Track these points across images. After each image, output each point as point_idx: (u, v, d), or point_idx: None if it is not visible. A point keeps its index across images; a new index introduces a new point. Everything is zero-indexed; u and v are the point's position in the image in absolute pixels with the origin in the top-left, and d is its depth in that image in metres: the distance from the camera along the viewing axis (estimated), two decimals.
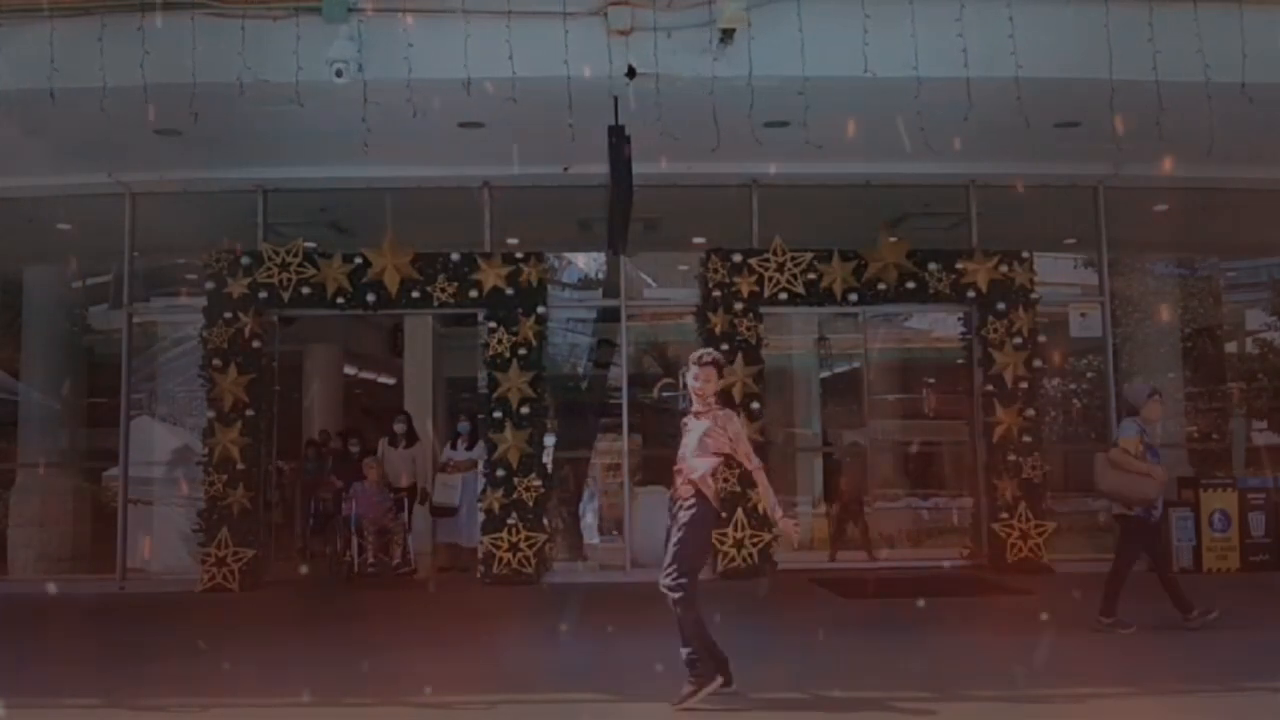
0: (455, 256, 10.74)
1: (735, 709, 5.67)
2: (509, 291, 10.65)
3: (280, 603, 10.02)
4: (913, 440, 13.66)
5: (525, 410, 10.48)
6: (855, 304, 11.05)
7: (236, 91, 8.11)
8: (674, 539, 5.86)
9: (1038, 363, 10.91)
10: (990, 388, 10.83)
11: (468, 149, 10.11)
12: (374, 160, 10.00)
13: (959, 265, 10.89)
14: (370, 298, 10.65)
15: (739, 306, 10.69)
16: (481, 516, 10.54)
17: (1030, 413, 10.76)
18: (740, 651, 6.02)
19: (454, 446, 11.64)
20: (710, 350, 6.24)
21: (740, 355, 10.57)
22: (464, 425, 11.60)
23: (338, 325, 14.00)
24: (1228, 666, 6.46)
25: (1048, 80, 8.34)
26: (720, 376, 6.09)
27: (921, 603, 8.81)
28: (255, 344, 10.57)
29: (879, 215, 11.69)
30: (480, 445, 10.98)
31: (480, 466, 10.84)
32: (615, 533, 11.64)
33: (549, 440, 11.11)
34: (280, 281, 10.59)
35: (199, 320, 10.63)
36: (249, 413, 10.43)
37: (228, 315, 10.51)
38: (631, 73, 8.26)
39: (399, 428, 11.67)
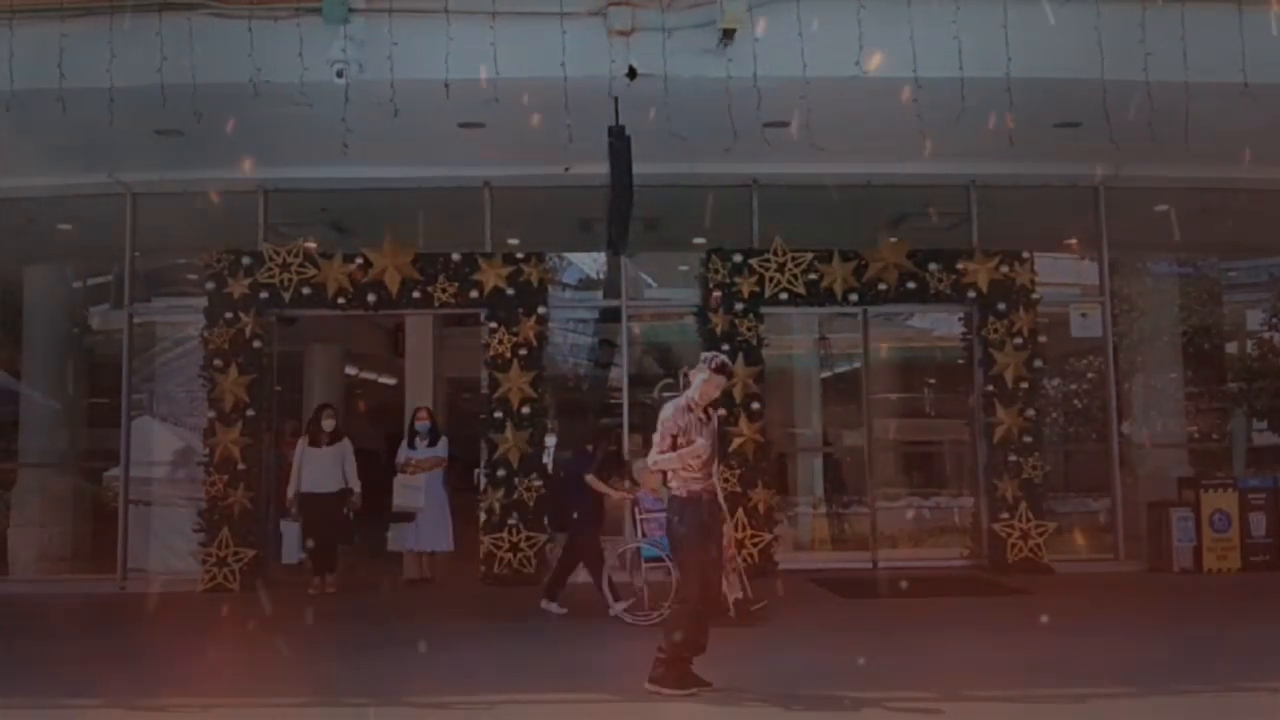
0: (455, 256, 10.74)
1: (736, 707, 5.67)
2: (509, 291, 10.65)
3: (281, 603, 9.99)
4: (913, 440, 13.66)
5: (526, 410, 10.48)
6: (856, 304, 11.05)
7: (238, 92, 8.12)
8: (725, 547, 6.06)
9: (1038, 363, 10.91)
10: (991, 388, 10.83)
11: (468, 149, 10.12)
12: (374, 160, 10.02)
13: (959, 265, 10.89)
14: (371, 298, 10.65)
15: (739, 307, 10.70)
16: (490, 517, 10.49)
17: (1030, 413, 10.76)
18: (739, 652, 6.03)
19: (412, 445, 10.69)
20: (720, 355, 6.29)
21: (741, 355, 10.58)
22: (424, 424, 10.71)
23: (339, 325, 13.98)
24: (1228, 666, 6.45)
25: (1046, 80, 8.36)
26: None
27: (920, 603, 8.83)
28: (256, 344, 10.57)
29: (879, 215, 11.70)
30: (443, 441, 10.66)
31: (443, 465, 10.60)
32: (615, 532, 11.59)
33: (549, 440, 11.08)
34: (281, 281, 10.59)
35: (199, 320, 10.64)
36: (250, 413, 10.43)
37: (228, 315, 10.52)
38: (633, 73, 8.27)
39: (328, 424, 10.35)
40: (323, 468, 10.18)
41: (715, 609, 5.97)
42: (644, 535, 8.44)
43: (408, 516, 10.48)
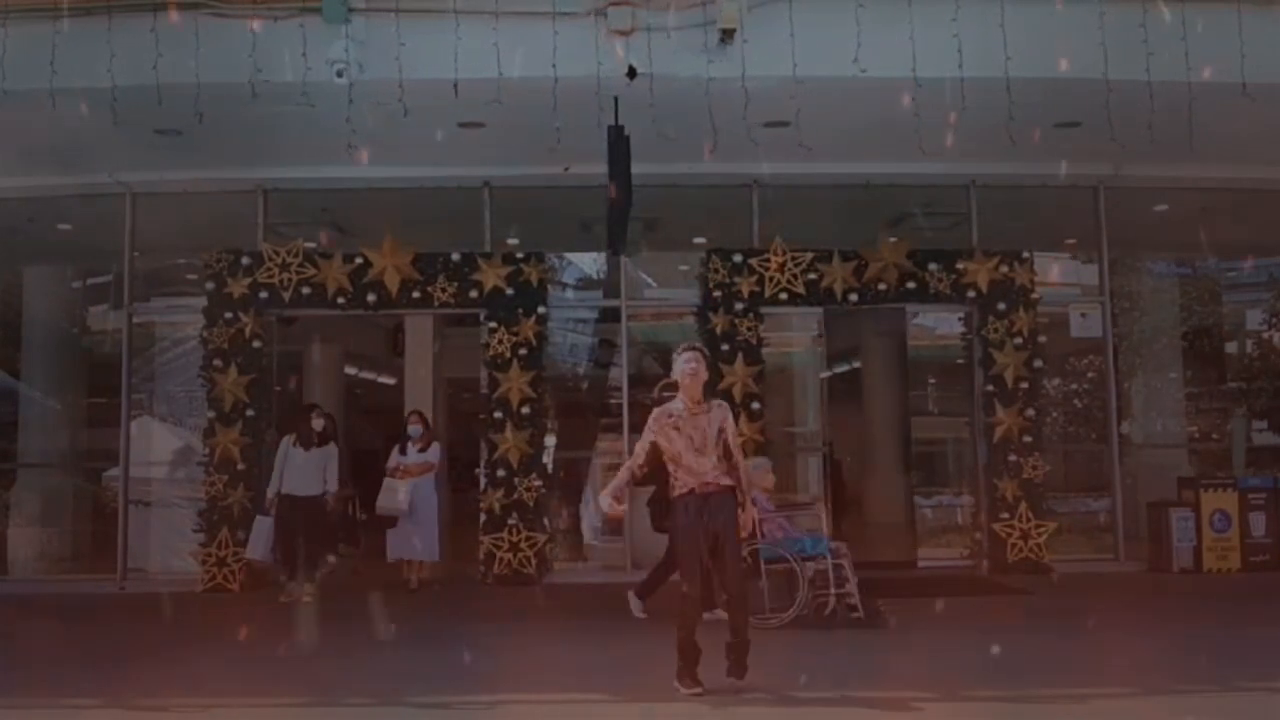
0: (455, 256, 10.74)
1: (737, 706, 5.66)
2: (509, 291, 10.65)
3: (279, 603, 9.98)
4: (913, 439, 13.66)
5: (525, 410, 10.48)
6: (856, 304, 11.05)
7: (239, 92, 8.13)
8: (732, 544, 5.85)
9: (1038, 363, 10.91)
10: (990, 388, 10.82)
11: (468, 149, 10.12)
12: (374, 160, 10.01)
13: (959, 265, 10.88)
14: (370, 298, 10.65)
15: (739, 306, 10.69)
16: (490, 517, 10.49)
17: (1030, 413, 10.75)
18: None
19: (403, 450, 10.32)
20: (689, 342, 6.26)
21: (740, 355, 10.58)
22: (415, 428, 10.33)
23: (338, 325, 13.98)
24: (1228, 666, 6.45)
25: (1046, 80, 8.35)
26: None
27: (920, 603, 8.81)
28: (255, 344, 10.58)
29: (879, 215, 11.70)
30: (435, 447, 10.41)
31: (434, 470, 10.36)
32: (616, 533, 11.58)
33: (549, 440, 11.06)
34: (280, 281, 10.59)
35: (199, 320, 10.64)
36: (249, 413, 10.43)
37: (228, 315, 10.52)
38: (632, 73, 8.27)
39: (318, 423, 9.94)
40: (306, 470, 9.79)
41: (707, 604, 5.97)
42: (761, 536, 7.90)
43: (392, 520, 10.11)
